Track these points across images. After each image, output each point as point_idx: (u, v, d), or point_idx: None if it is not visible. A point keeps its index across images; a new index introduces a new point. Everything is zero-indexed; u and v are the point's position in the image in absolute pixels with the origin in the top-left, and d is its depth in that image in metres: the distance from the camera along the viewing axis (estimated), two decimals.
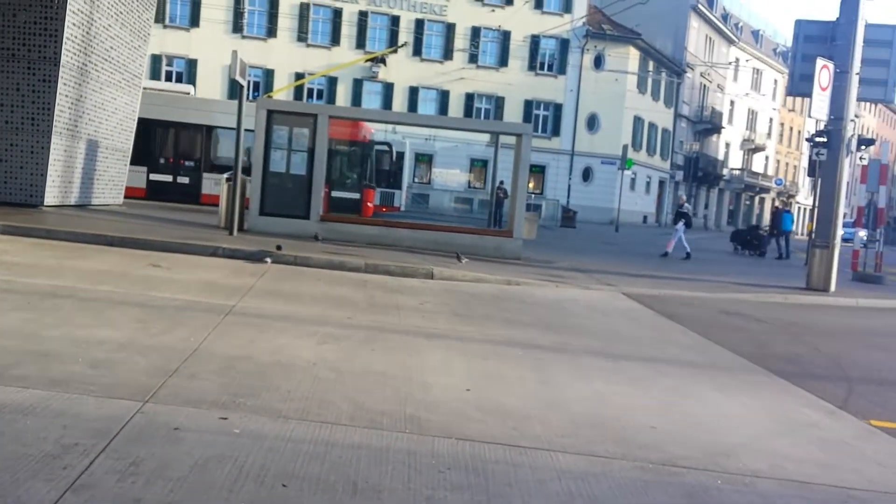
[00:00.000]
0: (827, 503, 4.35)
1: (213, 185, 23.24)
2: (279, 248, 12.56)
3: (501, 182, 25.90)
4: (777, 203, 38.49)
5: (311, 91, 43.38)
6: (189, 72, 41.92)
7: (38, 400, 4.52)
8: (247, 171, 16.48)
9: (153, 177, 24.19)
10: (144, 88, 22.49)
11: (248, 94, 34.19)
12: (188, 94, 27.80)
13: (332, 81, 43.14)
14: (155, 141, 24.31)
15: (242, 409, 4.75)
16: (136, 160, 21.40)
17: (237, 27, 42.44)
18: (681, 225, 22.42)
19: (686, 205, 23.28)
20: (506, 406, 5.48)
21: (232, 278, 10.16)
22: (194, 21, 42.20)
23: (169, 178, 24.40)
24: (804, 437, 5.60)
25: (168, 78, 41.73)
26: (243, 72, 14.83)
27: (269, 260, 12.06)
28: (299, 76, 41.24)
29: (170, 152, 24.69)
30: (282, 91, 38.19)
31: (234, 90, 15.25)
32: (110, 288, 8.53)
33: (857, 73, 15.09)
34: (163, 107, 23.94)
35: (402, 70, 43.73)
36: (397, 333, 7.70)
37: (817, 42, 15.45)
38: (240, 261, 12.00)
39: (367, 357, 6.52)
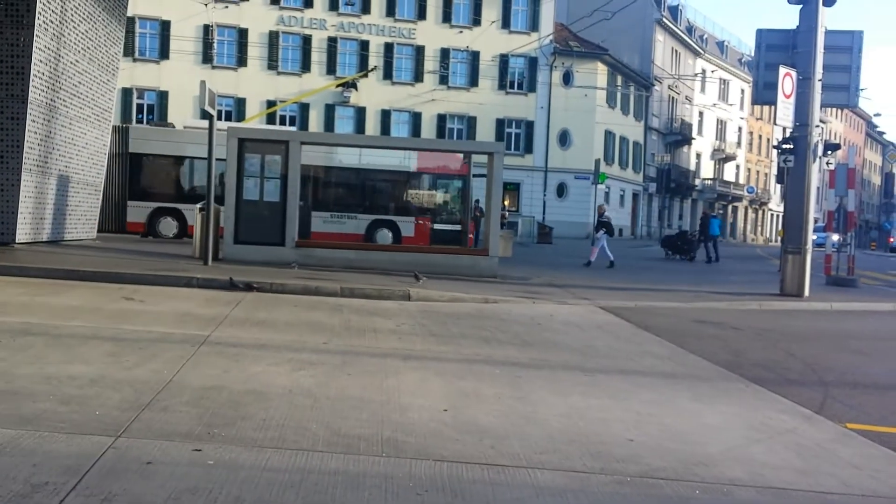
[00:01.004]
0: None
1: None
2: (252, 286, 12.29)
3: (477, 201, 25.84)
4: (705, 209, 39.34)
5: (283, 118, 43.38)
6: (160, 104, 41.82)
7: (8, 439, 4.45)
8: (219, 199, 16.41)
9: None
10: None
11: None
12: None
13: (304, 108, 43.19)
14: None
15: (216, 441, 4.70)
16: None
17: (207, 58, 42.43)
18: (602, 234, 22.55)
19: (606, 213, 23.29)
20: (483, 425, 5.47)
21: (206, 308, 10.09)
22: (164, 53, 42.15)
23: None
24: (781, 443, 5.63)
25: (139, 110, 41.60)
26: (212, 101, 14.81)
27: (241, 285, 12.03)
28: (271, 104, 41.28)
29: None
30: (254, 119, 38.18)
31: (208, 121, 15.21)
32: (83, 323, 8.45)
33: (819, 80, 15.31)
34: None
35: (373, 94, 43.86)
36: (374, 356, 7.67)
37: (779, 51, 15.67)
38: (215, 290, 11.93)
39: (343, 381, 6.48)
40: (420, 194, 24.18)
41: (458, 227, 23.29)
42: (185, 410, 5.30)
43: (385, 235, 22.91)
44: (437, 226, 23.01)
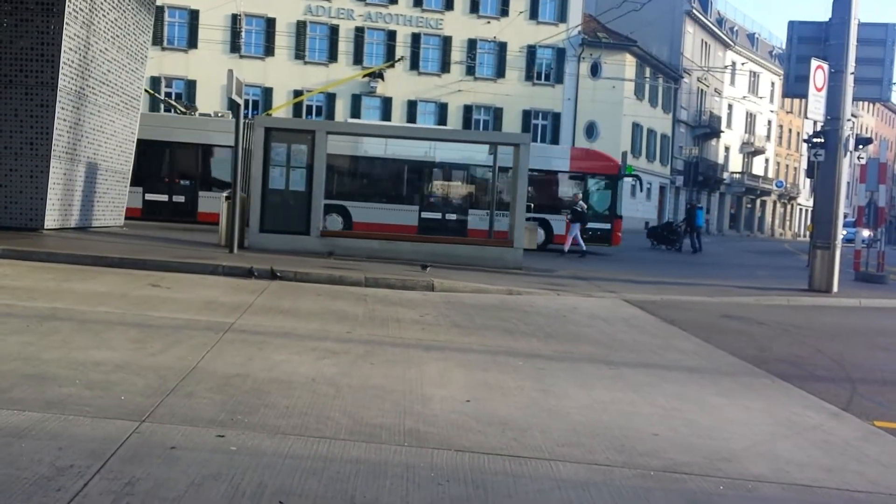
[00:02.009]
0: None
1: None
2: (275, 274, 12.38)
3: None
4: (692, 201, 39.30)
5: (309, 108, 43.47)
6: (188, 92, 42.03)
7: (34, 423, 4.50)
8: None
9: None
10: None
11: (248, 113, 34.37)
12: None
13: (331, 98, 43.23)
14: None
15: (240, 427, 4.72)
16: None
17: (235, 47, 42.58)
18: (576, 224, 22.15)
19: (581, 203, 22.88)
20: (505, 417, 5.45)
21: (231, 296, 10.15)
22: (192, 42, 42.35)
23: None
24: (807, 439, 5.56)
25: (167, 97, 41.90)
26: (240, 91, 14.87)
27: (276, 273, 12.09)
28: (298, 93, 41.37)
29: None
30: (280, 109, 38.29)
31: (234, 110, 15.28)
32: (109, 309, 8.51)
33: (851, 73, 15.10)
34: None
35: (400, 84, 43.81)
36: (397, 346, 7.67)
37: (811, 43, 15.47)
38: (239, 278, 11.99)
39: (367, 371, 6.49)
40: (569, 193, 25.14)
41: (607, 226, 24.41)
42: (208, 397, 5.33)
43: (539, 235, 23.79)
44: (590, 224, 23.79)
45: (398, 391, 5.89)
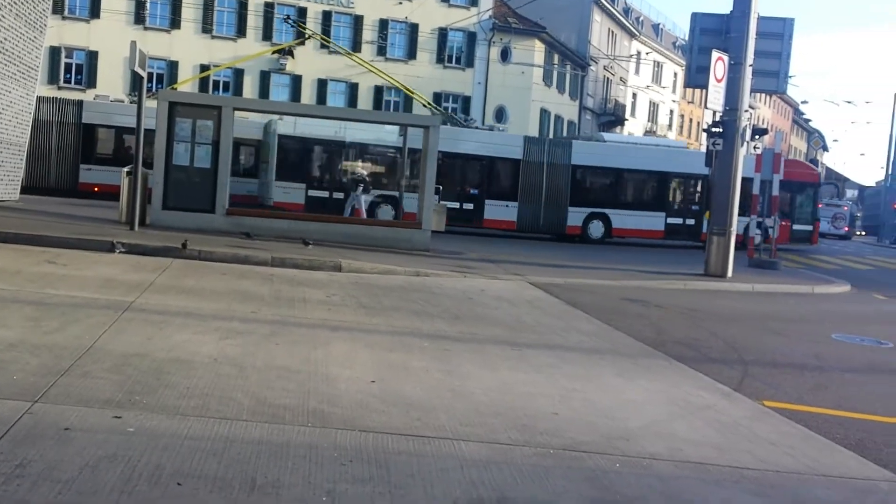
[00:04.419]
0: (721, 483, 4.49)
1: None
2: (184, 245, 12.20)
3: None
4: None
5: (217, 83, 42.41)
6: (90, 64, 40.41)
7: None
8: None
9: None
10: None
11: (152, 87, 33.34)
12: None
13: (239, 74, 42.27)
14: None
15: (138, 408, 4.62)
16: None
17: (139, 18, 41.11)
18: (360, 191, 21.31)
19: (362, 172, 22.60)
20: (410, 397, 5.49)
21: (131, 274, 9.86)
22: (94, 12, 40.67)
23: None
24: (701, 419, 5.78)
25: (67, 70, 40.23)
26: (143, 63, 14.39)
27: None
28: (204, 68, 40.25)
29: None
30: (186, 83, 37.14)
31: (137, 84, 14.79)
32: (3, 286, 8.17)
33: (750, 65, 15.61)
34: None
35: (310, 62, 43.16)
36: (303, 327, 7.62)
37: (713, 35, 15.92)
38: (141, 256, 11.66)
39: (271, 351, 6.43)
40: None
41: (809, 228, 29.06)
42: (105, 377, 5.19)
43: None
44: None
45: (303, 372, 5.86)
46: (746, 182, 20.19)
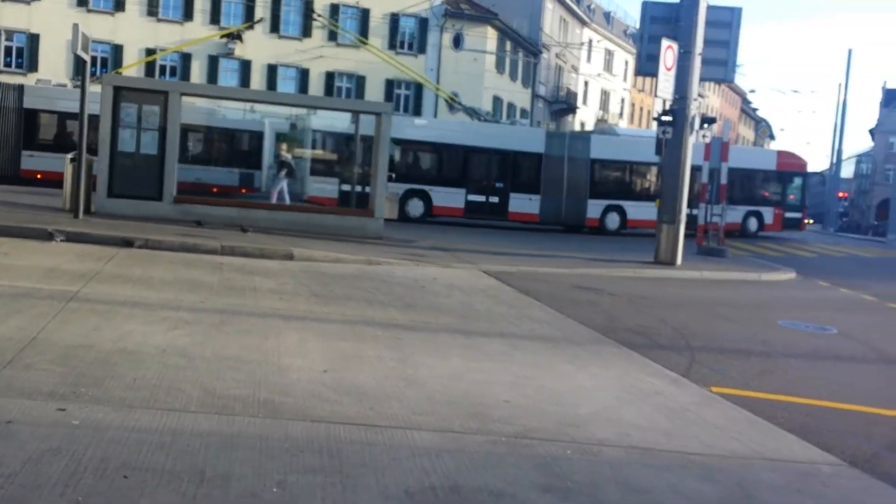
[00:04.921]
0: (669, 468, 4.55)
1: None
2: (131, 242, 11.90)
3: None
4: None
5: (163, 68, 41.62)
6: (31, 48, 39.36)
7: None
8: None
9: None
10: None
11: (96, 71, 32.66)
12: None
13: (186, 58, 41.53)
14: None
15: (83, 400, 4.52)
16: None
17: (82, 0, 40.21)
18: (283, 175, 20.51)
19: (285, 154, 21.36)
20: (363, 386, 5.46)
21: (76, 263, 9.65)
22: None
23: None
24: (650, 405, 5.85)
25: (7, 53, 39.14)
26: (86, 46, 14.04)
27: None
28: (150, 52, 39.48)
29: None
30: (132, 67, 36.41)
31: (80, 68, 14.42)
32: None
33: (699, 54, 15.77)
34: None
35: (259, 47, 42.58)
36: (253, 316, 7.53)
37: (663, 23, 16.07)
38: (85, 244, 11.41)
39: (221, 341, 6.34)
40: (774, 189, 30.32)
41: (798, 215, 30.12)
42: (49, 369, 5.07)
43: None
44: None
45: (254, 361, 5.79)
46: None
